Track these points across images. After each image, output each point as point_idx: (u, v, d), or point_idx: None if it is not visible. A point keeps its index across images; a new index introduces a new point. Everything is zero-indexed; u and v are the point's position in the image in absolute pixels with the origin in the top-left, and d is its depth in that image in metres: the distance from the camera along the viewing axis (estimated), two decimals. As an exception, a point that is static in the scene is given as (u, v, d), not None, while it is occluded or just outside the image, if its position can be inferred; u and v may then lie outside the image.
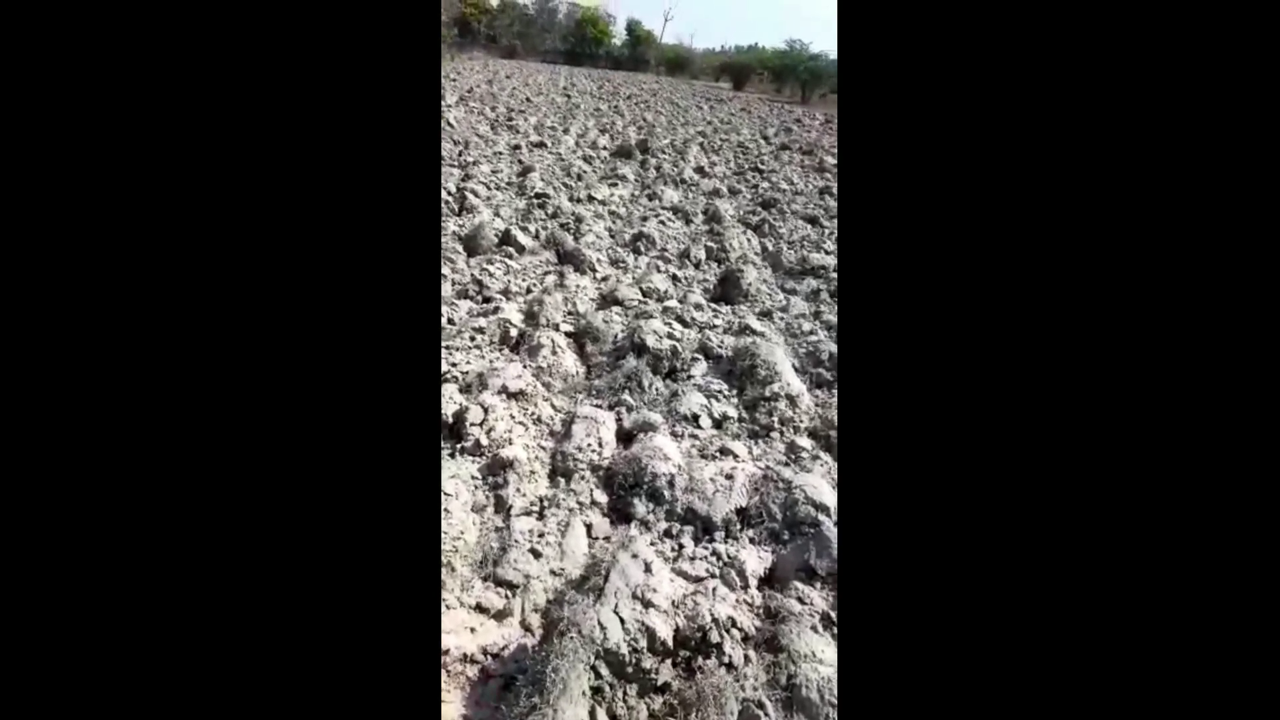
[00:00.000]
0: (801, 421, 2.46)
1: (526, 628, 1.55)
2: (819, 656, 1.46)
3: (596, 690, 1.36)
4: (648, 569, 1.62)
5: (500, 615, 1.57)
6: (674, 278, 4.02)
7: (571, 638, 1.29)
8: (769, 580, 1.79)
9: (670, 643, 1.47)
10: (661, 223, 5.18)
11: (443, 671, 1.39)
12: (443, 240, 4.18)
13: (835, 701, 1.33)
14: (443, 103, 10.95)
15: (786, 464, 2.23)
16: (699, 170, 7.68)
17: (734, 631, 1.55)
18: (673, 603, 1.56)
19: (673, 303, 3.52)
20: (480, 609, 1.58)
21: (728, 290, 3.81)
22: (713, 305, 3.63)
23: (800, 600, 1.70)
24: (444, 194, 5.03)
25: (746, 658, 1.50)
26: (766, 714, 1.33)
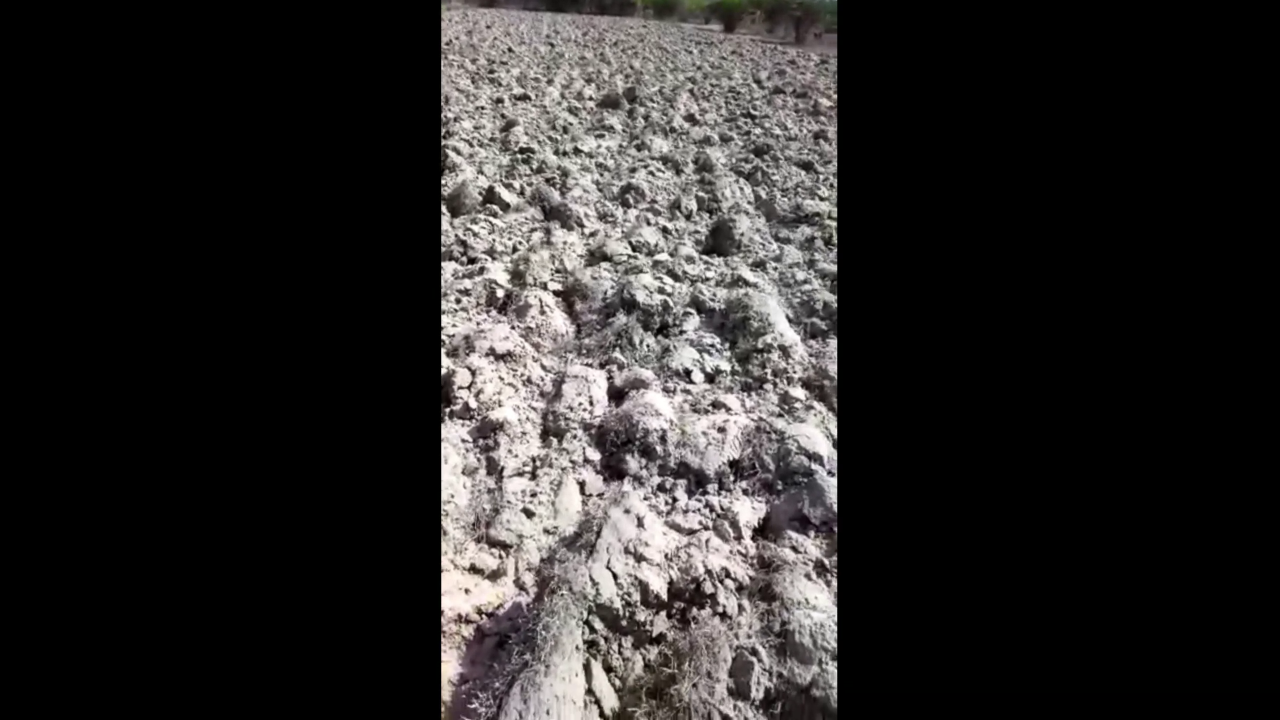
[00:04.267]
0: (795, 372, 2.42)
1: (521, 586, 1.56)
2: (812, 603, 1.47)
3: (591, 644, 1.37)
4: (640, 523, 1.61)
5: (494, 575, 1.58)
6: (664, 230, 3.92)
7: (562, 595, 1.29)
8: (763, 530, 1.79)
9: (664, 595, 1.48)
10: (651, 174, 5.03)
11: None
12: (425, 201, 4.06)
13: (827, 646, 1.34)
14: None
15: (780, 415, 2.21)
16: (689, 118, 7.42)
17: (728, 582, 1.56)
18: (665, 556, 1.56)
19: (663, 256, 3.43)
20: (475, 570, 1.59)
21: (720, 241, 3.72)
22: (704, 257, 3.54)
23: (794, 549, 1.70)
24: (425, 152, 4.86)
25: (740, 607, 1.51)
26: (760, 660, 1.35)
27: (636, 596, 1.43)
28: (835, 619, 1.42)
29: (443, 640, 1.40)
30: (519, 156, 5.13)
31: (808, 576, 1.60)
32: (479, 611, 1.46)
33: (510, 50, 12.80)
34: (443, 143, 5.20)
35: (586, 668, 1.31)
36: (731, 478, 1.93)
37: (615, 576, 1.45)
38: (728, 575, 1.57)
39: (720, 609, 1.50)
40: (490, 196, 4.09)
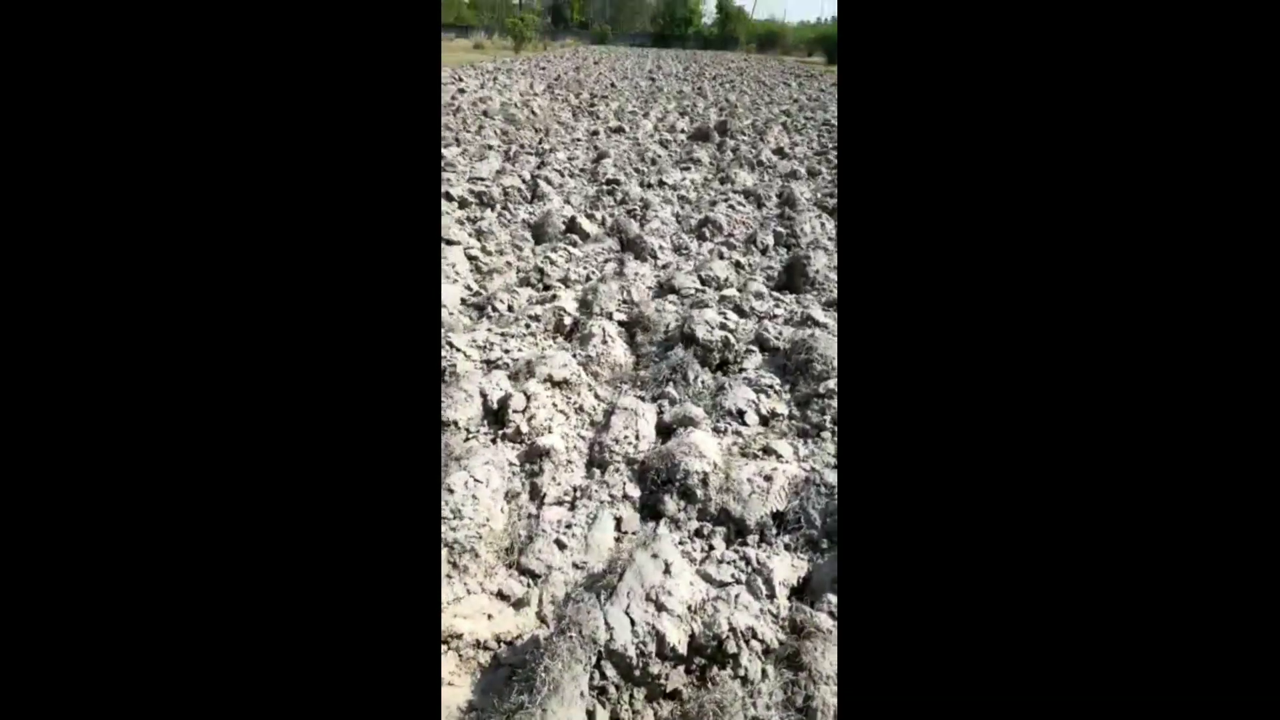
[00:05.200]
0: (856, 422, 2.29)
1: (542, 619, 1.56)
2: (842, 680, 1.36)
3: (601, 691, 1.34)
4: (668, 569, 1.57)
5: (519, 604, 1.59)
6: (737, 264, 3.88)
7: (571, 637, 1.27)
8: (801, 591, 1.69)
9: (683, 649, 1.42)
10: (731, 207, 5.02)
11: (455, 655, 1.43)
12: (512, 228, 4.28)
13: (851, 732, 1.23)
14: (530, 91, 11.23)
15: (835, 467, 2.09)
16: (778, 151, 7.36)
17: (754, 643, 1.47)
18: (689, 607, 1.50)
19: (730, 291, 3.39)
20: (501, 596, 1.61)
21: (793, 278, 3.62)
22: (775, 294, 3.46)
23: (832, 615, 1.58)
24: (518, 181, 5.15)
25: (764, 672, 1.42)
26: (775, 736, 1.26)
27: (652, 647, 1.39)
28: (865, 702, 1.30)
29: (460, 664, 1.42)
30: (605, 187, 5.30)
31: (843, 649, 1.48)
32: (498, 640, 1.48)
33: (613, 85, 13.36)
34: (536, 173, 5.49)
35: (591, 715, 1.28)
36: (774, 530, 1.84)
37: (633, 623, 1.41)
38: (754, 636, 1.49)
39: (742, 672, 1.42)
40: (572, 226, 4.24)
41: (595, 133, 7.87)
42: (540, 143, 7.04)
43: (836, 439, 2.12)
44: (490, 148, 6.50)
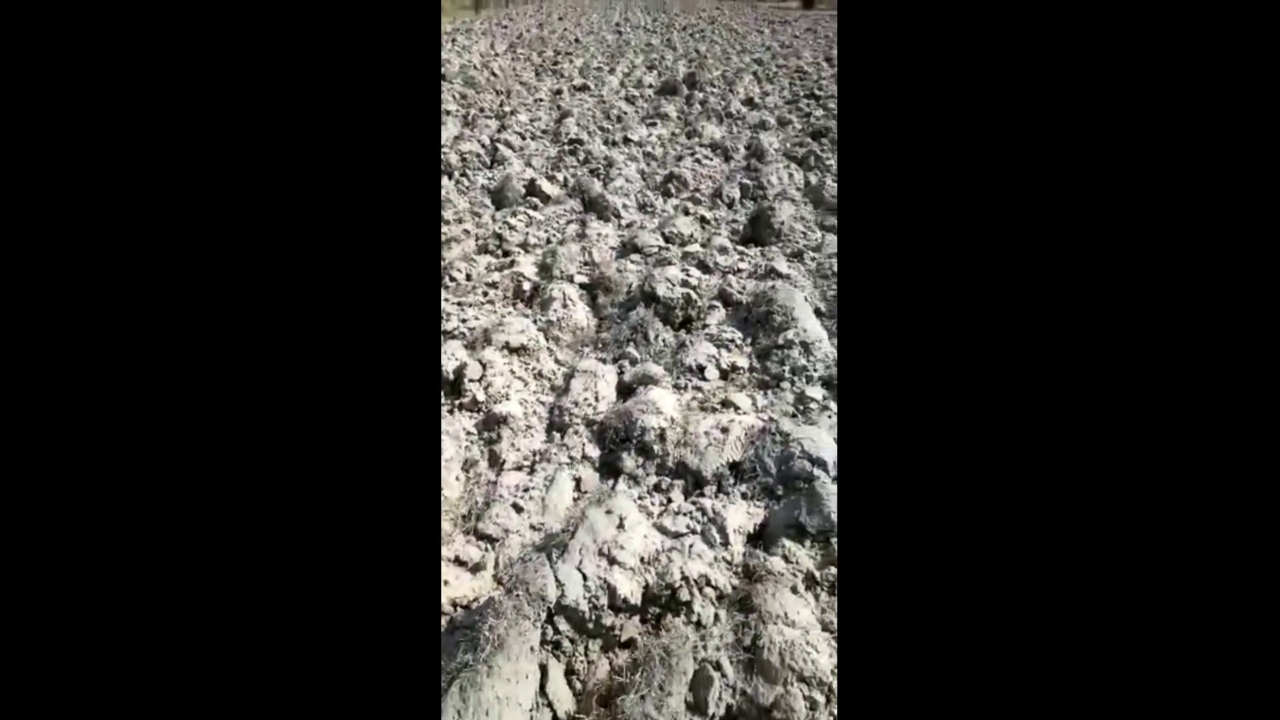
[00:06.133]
0: (815, 370, 2.30)
1: (499, 581, 1.57)
2: (790, 618, 1.39)
3: (556, 645, 1.37)
4: (621, 525, 1.59)
5: (476, 569, 1.60)
6: (702, 220, 3.82)
7: (518, 595, 1.29)
8: (758, 537, 1.71)
9: (636, 600, 1.45)
10: (697, 161, 4.91)
11: (411, 621, 1.44)
12: (471, 195, 4.17)
13: (796, 666, 1.26)
14: (490, 52, 10.81)
15: (793, 415, 2.11)
16: (747, 102, 7.18)
17: (707, 590, 1.50)
18: (642, 559, 1.53)
19: (694, 247, 3.35)
20: (458, 562, 1.62)
21: (759, 230, 3.58)
22: (740, 248, 3.42)
23: (786, 559, 1.61)
24: (477, 147, 5.00)
25: (716, 616, 1.45)
26: (724, 674, 1.29)
27: (604, 600, 1.41)
28: (811, 637, 1.34)
29: (416, 629, 1.44)
30: (567, 148, 5.16)
31: (794, 589, 1.51)
32: (454, 604, 1.49)
33: (577, 40, 12.89)
34: (495, 137, 5.32)
35: (544, 668, 1.30)
36: (731, 480, 1.86)
37: (585, 578, 1.43)
38: (708, 583, 1.52)
39: (695, 618, 1.45)
40: (532, 189, 4.14)
41: (559, 92, 7.62)
42: (501, 105, 6.82)
43: (836, 438, 2.12)
44: (448, 113, 6.28)
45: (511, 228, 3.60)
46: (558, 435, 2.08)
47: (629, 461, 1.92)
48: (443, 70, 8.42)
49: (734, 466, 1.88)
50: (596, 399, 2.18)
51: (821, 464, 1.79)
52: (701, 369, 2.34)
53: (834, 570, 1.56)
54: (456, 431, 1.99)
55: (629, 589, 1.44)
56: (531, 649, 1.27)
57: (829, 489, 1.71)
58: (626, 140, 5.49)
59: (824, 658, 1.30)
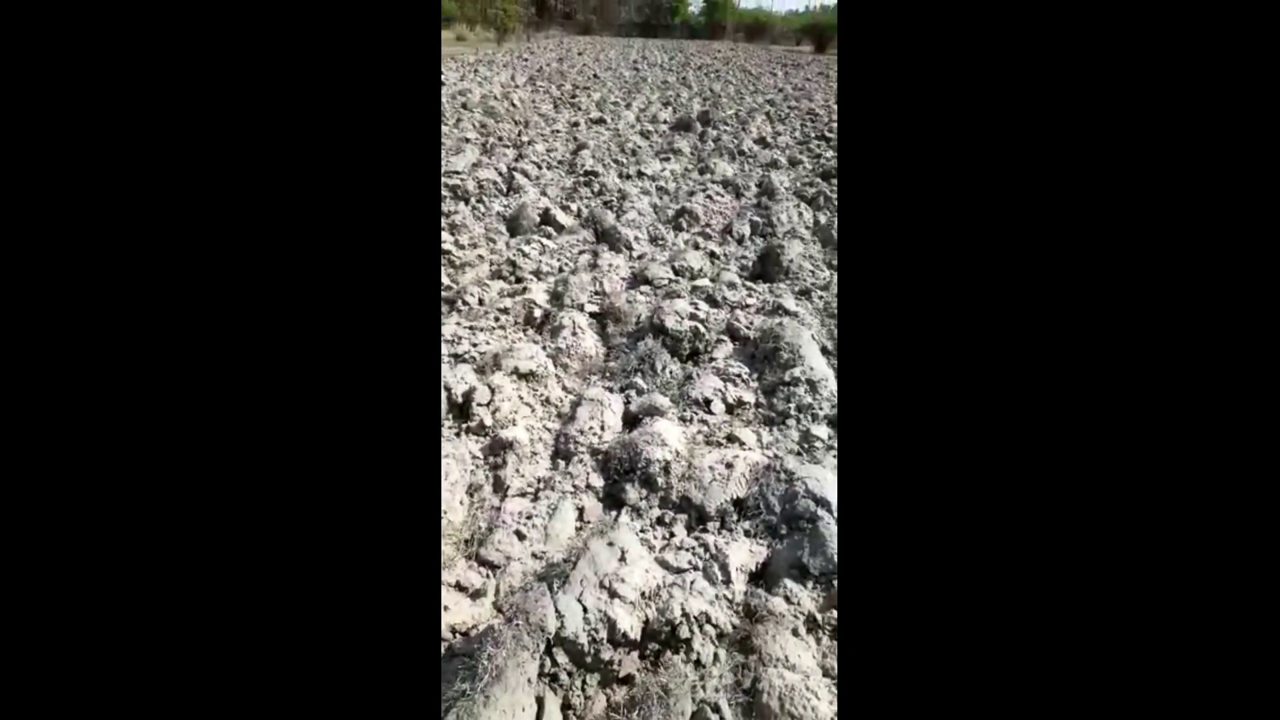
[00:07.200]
0: (821, 409, 2.31)
1: (499, 609, 1.57)
2: (790, 661, 1.38)
3: (553, 678, 1.35)
4: (623, 557, 1.58)
5: (476, 595, 1.60)
6: (712, 255, 3.88)
7: (517, 625, 1.28)
8: (759, 576, 1.70)
9: (635, 635, 1.44)
10: (709, 197, 5.01)
11: (409, 646, 1.43)
12: (487, 221, 4.26)
13: (795, 712, 1.25)
14: (511, 83, 11.13)
15: (798, 453, 2.11)
16: (760, 141, 7.34)
17: (707, 628, 1.49)
18: (643, 594, 1.52)
19: (703, 281, 3.40)
20: (459, 587, 1.62)
21: (767, 267, 3.63)
22: (749, 284, 3.47)
23: (788, 599, 1.60)
24: (494, 174, 5.12)
25: (716, 656, 1.44)
26: (722, 717, 1.28)
27: (604, 633, 1.40)
28: (811, 683, 1.32)
29: (413, 655, 1.43)
30: (582, 179, 5.28)
31: (795, 632, 1.50)
32: (453, 631, 1.48)
33: (595, 76, 13.27)
34: (513, 165, 5.45)
35: (541, 701, 1.29)
36: (734, 516, 1.86)
37: (585, 610, 1.43)
38: (708, 621, 1.51)
39: (695, 656, 1.44)
40: (546, 218, 4.23)
41: (576, 124, 7.81)
42: (519, 135, 6.99)
43: (836, 442, 2.13)
44: (467, 141, 6.45)
45: (525, 255, 3.66)
46: (562, 463, 2.08)
47: (632, 493, 1.92)
48: (464, 100, 8.67)
49: (738, 503, 1.88)
50: (602, 428, 2.19)
51: (826, 504, 1.79)
52: (708, 402, 2.36)
53: (836, 613, 1.55)
54: (463, 455, 2.00)
55: (629, 623, 1.43)
56: (529, 681, 1.26)
57: (833, 529, 1.71)
58: (640, 174, 5.60)
59: (824, 704, 1.28)
